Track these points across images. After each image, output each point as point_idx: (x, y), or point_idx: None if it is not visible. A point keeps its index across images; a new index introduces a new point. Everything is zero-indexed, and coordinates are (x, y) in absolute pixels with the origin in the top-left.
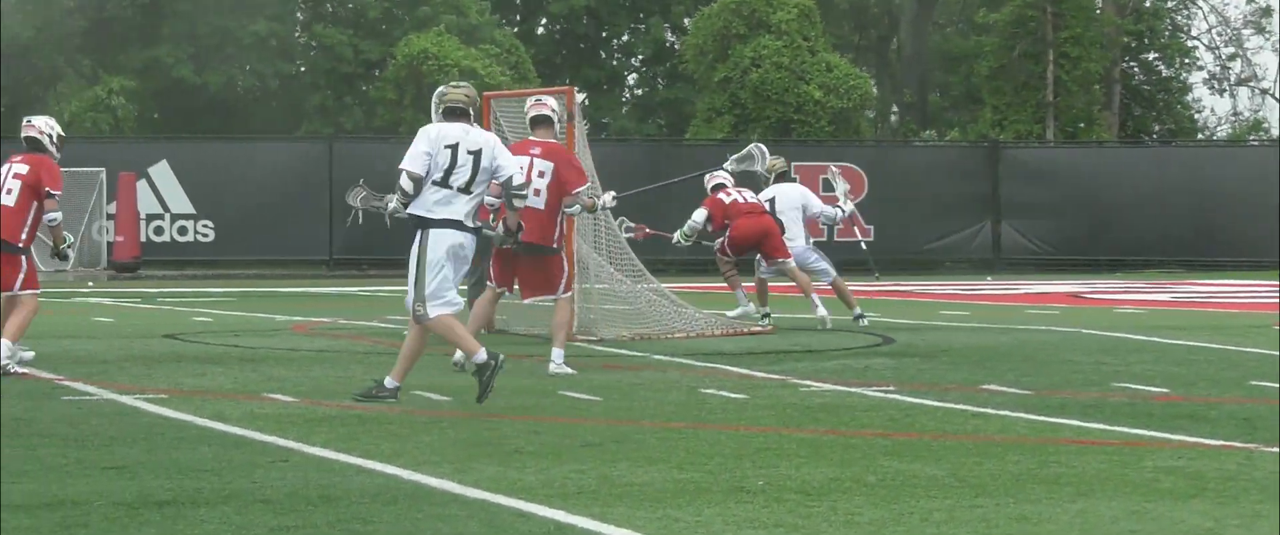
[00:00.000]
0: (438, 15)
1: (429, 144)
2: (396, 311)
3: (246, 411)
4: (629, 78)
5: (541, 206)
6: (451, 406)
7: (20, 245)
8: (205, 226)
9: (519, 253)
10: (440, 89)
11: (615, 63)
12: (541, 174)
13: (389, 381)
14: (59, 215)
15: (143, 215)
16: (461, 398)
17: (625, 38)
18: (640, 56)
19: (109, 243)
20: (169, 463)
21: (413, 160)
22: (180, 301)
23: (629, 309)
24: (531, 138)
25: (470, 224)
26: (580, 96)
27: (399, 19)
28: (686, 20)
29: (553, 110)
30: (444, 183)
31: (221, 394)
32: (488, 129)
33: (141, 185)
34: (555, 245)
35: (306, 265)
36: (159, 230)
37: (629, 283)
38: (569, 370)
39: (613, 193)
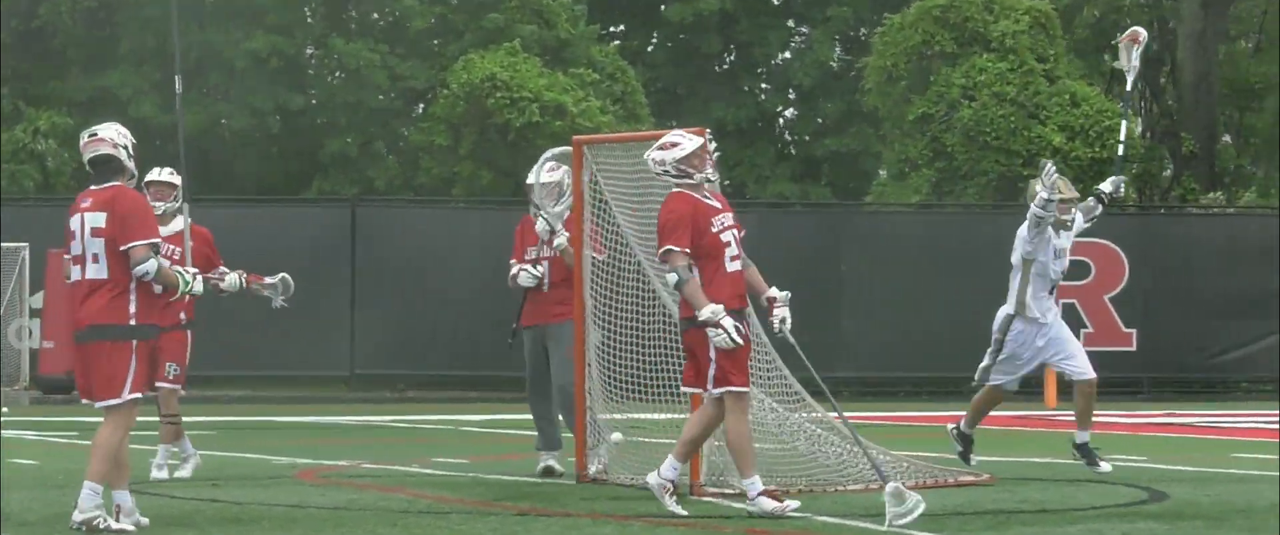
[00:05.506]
0: (512, 26)
1: None
2: (450, 451)
3: None
4: (782, 117)
5: None
6: None
7: None
8: None
9: None
10: None
11: (763, 97)
12: None
13: None
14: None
15: None
16: None
17: (782, 57)
18: (798, 86)
19: (34, 350)
20: None
21: None
22: (136, 435)
23: (780, 450)
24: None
25: None
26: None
27: (456, 31)
28: (866, 35)
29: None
30: None
31: None
32: (578, 186)
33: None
34: None
35: (318, 383)
36: None
37: (780, 410)
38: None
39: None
